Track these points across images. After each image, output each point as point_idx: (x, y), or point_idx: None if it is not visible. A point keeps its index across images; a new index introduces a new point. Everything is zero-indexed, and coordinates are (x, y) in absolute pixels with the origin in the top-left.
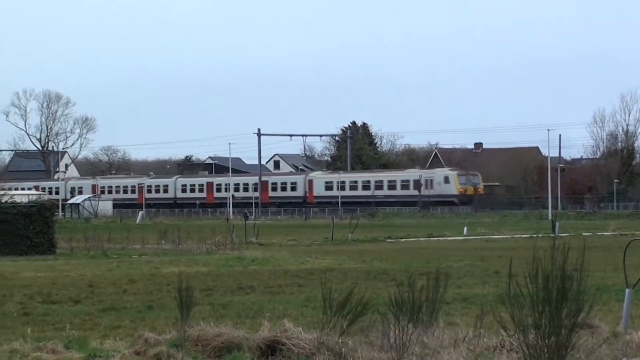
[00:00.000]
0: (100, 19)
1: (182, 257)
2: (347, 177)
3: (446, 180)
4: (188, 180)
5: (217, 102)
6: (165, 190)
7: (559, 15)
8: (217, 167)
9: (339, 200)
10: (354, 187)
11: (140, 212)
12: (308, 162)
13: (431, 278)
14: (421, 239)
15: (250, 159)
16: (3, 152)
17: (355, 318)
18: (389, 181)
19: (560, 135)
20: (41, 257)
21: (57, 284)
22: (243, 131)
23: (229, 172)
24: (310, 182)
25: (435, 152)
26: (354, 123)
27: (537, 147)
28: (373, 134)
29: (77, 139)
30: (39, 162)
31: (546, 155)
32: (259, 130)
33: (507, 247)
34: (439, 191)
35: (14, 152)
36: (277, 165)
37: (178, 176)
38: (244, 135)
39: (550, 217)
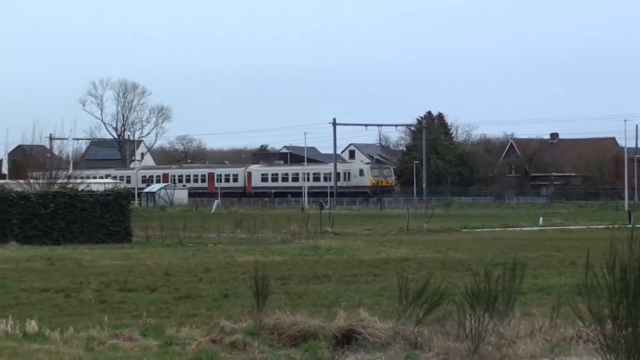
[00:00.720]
0: (175, 8)
1: (257, 246)
2: (280, 169)
3: (361, 173)
4: (148, 172)
5: (293, 91)
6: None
7: (634, 5)
8: (292, 156)
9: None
10: (285, 178)
11: (216, 201)
12: (383, 152)
13: (507, 268)
14: (496, 229)
15: (325, 148)
16: (79, 141)
17: (431, 308)
18: (314, 174)
19: (637, 125)
20: (117, 245)
21: (134, 272)
22: (318, 120)
23: (304, 161)
24: (249, 174)
25: (511, 143)
26: (429, 113)
27: (614, 138)
28: (448, 124)
29: (153, 128)
30: (115, 150)
31: (623, 146)
32: (334, 119)
33: (583, 237)
34: (355, 183)
35: (90, 140)
36: (352, 154)
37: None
38: (319, 125)
39: (626, 208)
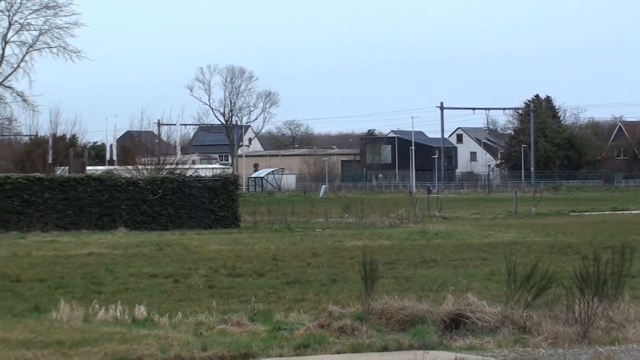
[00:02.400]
0: None
1: (365, 231)
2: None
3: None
4: None
5: (400, 75)
6: None
7: None
8: (400, 140)
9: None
10: None
11: (323, 186)
12: (491, 136)
13: (616, 252)
14: (605, 212)
15: (433, 132)
16: (187, 127)
17: (540, 292)
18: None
19: None
20: (225, 230)
21: (242, 257)
22: (426, 105)
23: (411, 145)
24: None
25: (620, 125)
26: (537, 96)
27: None
28: (556, 108)
29: (260, 114)
30: (223, 136)
31: None
32: (441, 103)
33: None
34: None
35: (198, 126)
36: (459, 138)
37: None
38: (426, 109)
39: None
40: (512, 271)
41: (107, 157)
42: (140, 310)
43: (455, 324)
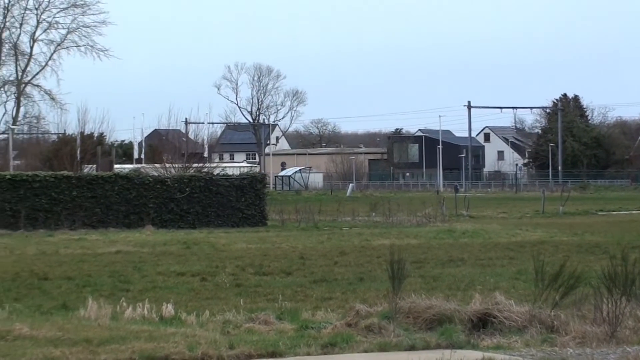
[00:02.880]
0: None
1: (392, 230)
2: None
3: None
4: None
5: (428, 74)
6: None
7: None
8: (427, 139)
9: None
10: None
11: (350, 185)
12: (518, 135)
13: None
14: (633, 211)
15: (460, 131)
16: (214, 125)
17: (568, 291)
18: None
19: None
20: (253, 228)
21: (269, 255)
22: (453, 103)
23: (439, 144)
24: None
25: None
26: (564, 95)
27: None
28: (584, 107)
29: (288, 112)
30: (250, 134)
31: None
32: (469, 102)
33: None
34: None
35: (225, 124)
36: (487, 137)
37: None
38: (454, 108)
39: None
40: (540, 270)
41: (135, 155)
42: (168, 309)
43: (482, 323)
